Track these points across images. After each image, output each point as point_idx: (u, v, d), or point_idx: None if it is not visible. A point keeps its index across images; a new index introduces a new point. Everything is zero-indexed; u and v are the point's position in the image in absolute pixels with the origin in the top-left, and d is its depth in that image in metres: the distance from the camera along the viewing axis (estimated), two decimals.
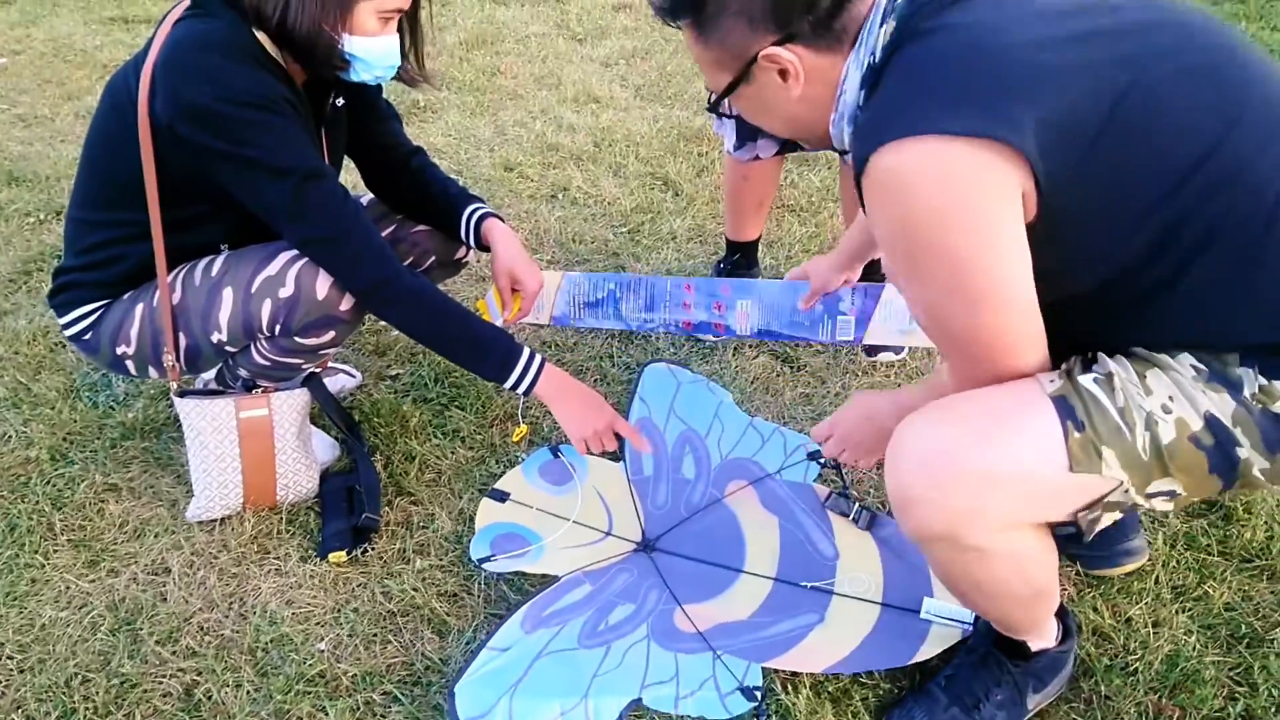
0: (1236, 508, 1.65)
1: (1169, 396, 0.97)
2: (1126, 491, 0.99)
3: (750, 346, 2.14)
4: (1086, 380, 1.00)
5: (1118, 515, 1.03)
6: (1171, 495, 1.01)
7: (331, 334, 1.54)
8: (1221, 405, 0.97)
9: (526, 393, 1.56)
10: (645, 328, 1.66)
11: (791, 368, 2.08)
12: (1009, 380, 1.01)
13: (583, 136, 3.04)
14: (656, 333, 1.91)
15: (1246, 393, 0.97)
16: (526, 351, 1.54)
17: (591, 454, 1.67)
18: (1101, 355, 1.04)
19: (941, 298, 0.98)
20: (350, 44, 1.37)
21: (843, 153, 1.13)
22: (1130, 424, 0.97)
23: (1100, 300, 1.01)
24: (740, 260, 2.27)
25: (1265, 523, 1.62)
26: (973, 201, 0.92)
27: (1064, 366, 1.03)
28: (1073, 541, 1.26)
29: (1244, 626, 1.46)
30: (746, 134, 2.00)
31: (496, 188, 2.77)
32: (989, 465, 0.99)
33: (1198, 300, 0.98)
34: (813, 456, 1.80)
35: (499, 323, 1.72)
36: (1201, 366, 0.98)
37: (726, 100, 1.12)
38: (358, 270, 1.45)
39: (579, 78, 3.48)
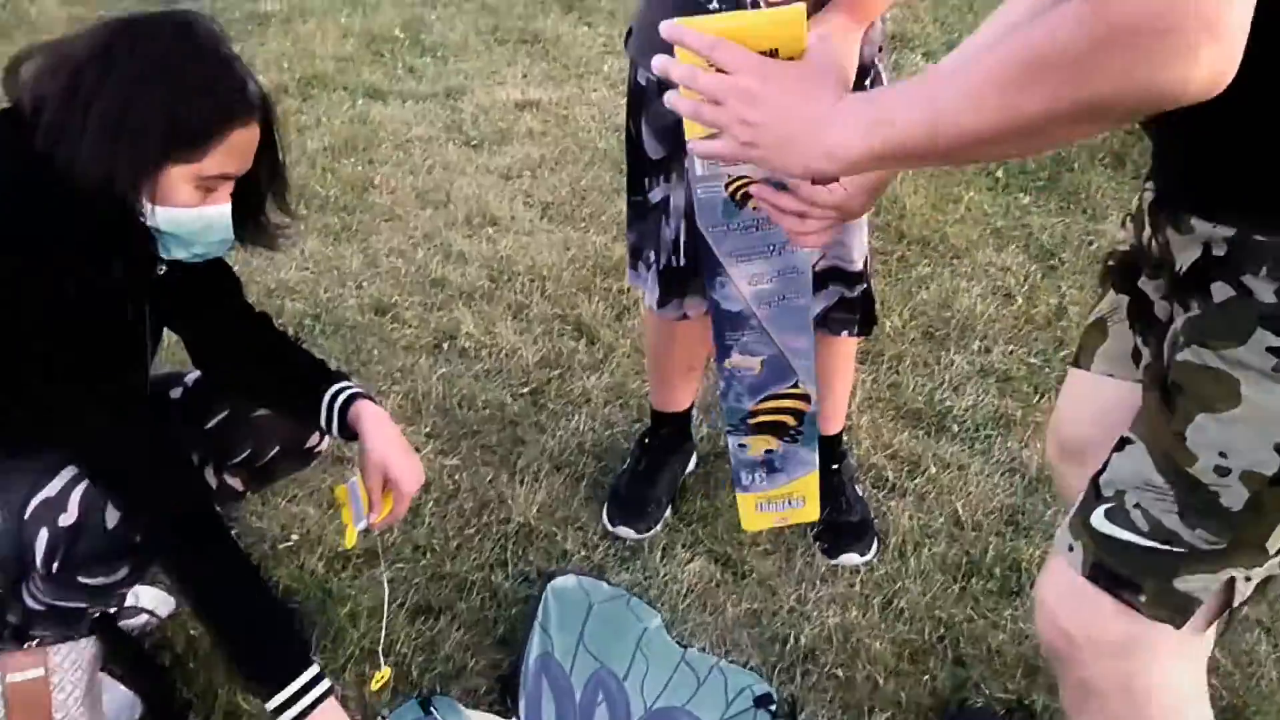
0: None
1: (1219, 453, 0.88)
2: (1248, 579, 0.93)
3: (683, 548, 1.80)
4: (1099, 521, 0.96)
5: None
6: None
7: (125, 570, 1.36)
8: None
9: None
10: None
11: (735, 574, 1.76)
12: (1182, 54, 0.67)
13: (475, 269, 2.69)
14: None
15: None
16: (315, 671, 1.31)
17: None
18: (1109, 468, 0.97)
19: None
20: (155, 216, 1.20)
21: None
22: (1170, 537, 0.92)
23: None
24: (669, 434, 1.91)
25: None
26: None
27: (1068, 517, 1.01)
28: None
29: None
30: (674, 288, 1.65)
31: (364, 336, 2.38)
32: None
33: None
34: (761, 703, 1.54)
35: (363, 524, 1.50)
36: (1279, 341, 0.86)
37: None
38: (151, 512, 1.29)
39: (473, 193, 3.13)
